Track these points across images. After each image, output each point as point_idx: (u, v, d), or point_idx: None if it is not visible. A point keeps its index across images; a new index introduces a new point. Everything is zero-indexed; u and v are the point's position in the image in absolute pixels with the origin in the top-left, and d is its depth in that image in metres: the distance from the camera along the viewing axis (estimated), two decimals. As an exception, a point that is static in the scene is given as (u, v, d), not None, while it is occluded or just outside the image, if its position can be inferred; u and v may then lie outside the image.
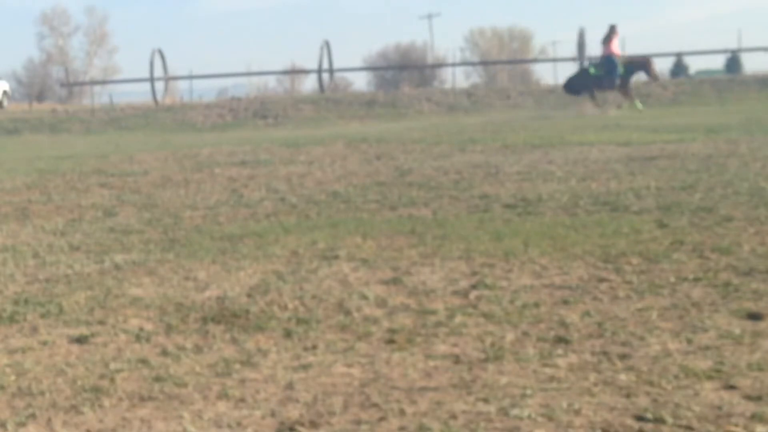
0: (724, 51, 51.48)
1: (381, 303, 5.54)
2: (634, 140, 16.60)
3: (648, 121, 23.63)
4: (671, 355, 4.37)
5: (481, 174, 12.21)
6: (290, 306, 5.52)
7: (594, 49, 37.94)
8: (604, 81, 31.48)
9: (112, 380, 4.27)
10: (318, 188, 11.42)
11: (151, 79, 42.89)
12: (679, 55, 37.14)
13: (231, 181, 12.73)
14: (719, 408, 3.68)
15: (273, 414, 3.77)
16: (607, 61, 31.71)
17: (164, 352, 4.69)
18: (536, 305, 5.35)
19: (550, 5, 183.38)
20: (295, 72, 62.01)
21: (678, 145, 15.54)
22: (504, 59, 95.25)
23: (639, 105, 31.46)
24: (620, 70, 31.33)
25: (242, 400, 3.96)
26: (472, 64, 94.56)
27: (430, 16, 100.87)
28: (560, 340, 4.66)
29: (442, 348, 4.62)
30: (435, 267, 6.50)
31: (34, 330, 5.21)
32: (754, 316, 4.94)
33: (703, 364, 4.21)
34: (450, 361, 4.40)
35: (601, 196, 9.54)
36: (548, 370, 4.22)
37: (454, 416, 3.68)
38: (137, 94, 53.28)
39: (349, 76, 71.63)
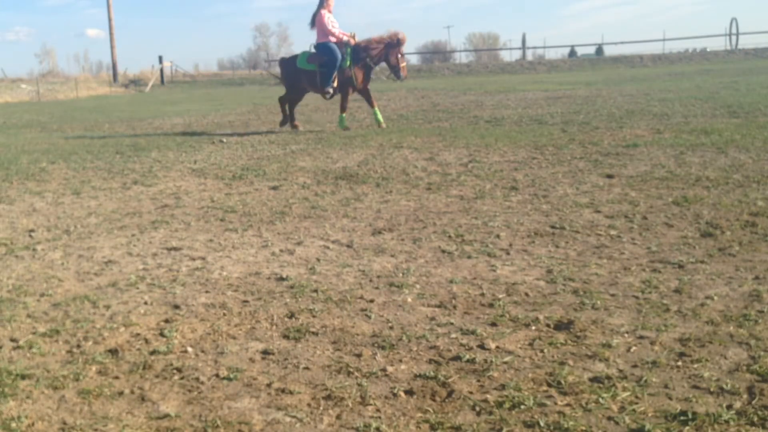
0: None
1: (423, 169, 5.44)
2: (550, 89, 15.98)
3: (558, 79, 22.77)
4: (568, 195, 4.25)
5: (474, 105, 11.89)
6: (379, 171, 5.45)
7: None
8: None
9: (290, 208, 4.27)
10: (392, 112, 11.19)
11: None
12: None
13: (349, 108, 12.47)
14: (591, 222, 3.58)
15: (370, 225, 3.75)
16: None
17: (316, 194, 4.68)
18: (501, 170, 5.22)
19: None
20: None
21: (572, 90, 14.95)
22: (485, 48, 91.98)
23: None
24: None
25: (355, 218, 3.94)
26: (468, 50, 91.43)
27: (448, 27, 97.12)
28: (513, 188, 4.55)
29: (454, 192, 4.54)
30: (450, 151, 6.36)
31: (251, 183, 5.23)
32: (610, 176, 4.78)
33: (583, 199, 4.10)
34: (458, 198, 4.33)
35: (533, 116, 9.23)
36: (507, 203, 4.13)
37: (460, 226, 3.63)
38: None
39: (408, 57, 69.27)
